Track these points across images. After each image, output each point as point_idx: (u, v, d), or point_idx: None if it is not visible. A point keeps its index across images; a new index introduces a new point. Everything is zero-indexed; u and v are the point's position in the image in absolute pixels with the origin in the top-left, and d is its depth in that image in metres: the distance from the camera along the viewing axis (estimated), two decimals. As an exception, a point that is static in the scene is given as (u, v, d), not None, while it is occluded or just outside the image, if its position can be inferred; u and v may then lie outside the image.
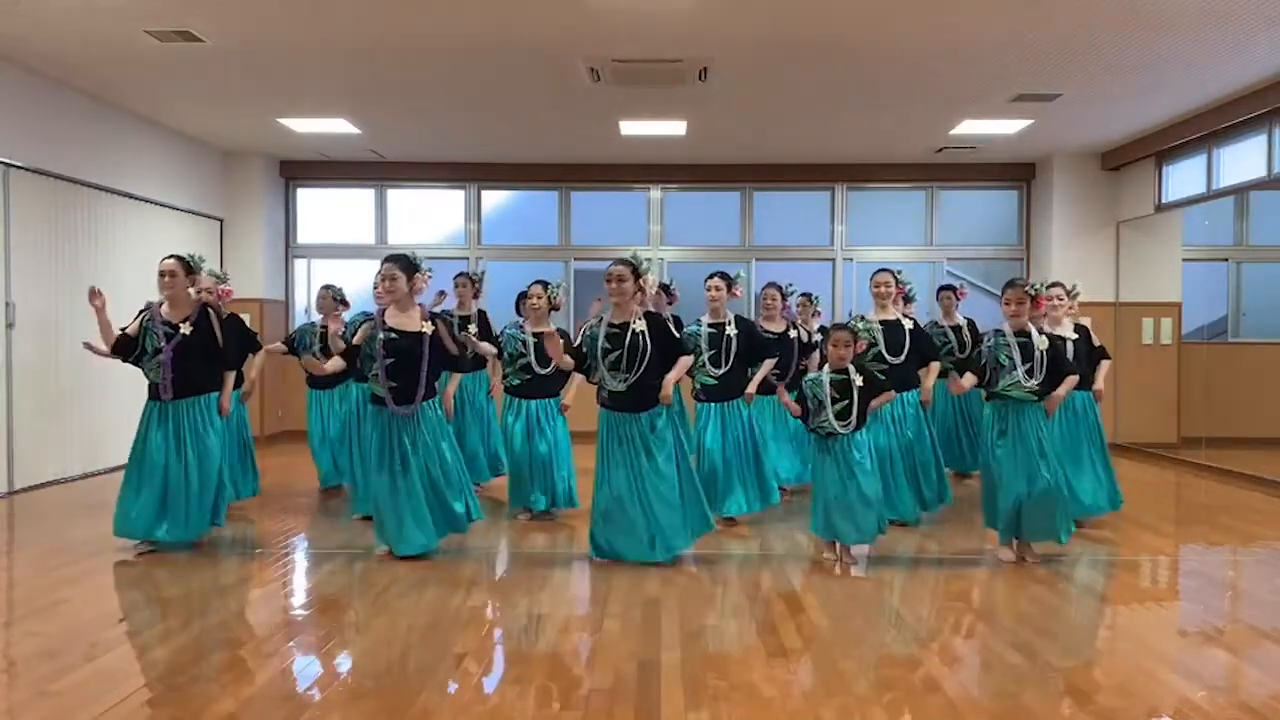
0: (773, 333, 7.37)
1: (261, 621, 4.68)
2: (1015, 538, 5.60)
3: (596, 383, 5.62)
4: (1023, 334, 5.53)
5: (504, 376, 6.96)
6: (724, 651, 4.13)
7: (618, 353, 5.43)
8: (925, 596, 5.11)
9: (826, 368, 5.69)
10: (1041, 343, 5.51)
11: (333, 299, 7.69)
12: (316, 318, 7.98)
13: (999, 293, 5.93)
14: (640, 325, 5.45)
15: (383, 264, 5.63)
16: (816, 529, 5.72)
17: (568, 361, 5.62)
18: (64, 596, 4.89)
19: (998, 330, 5.63)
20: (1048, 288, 6.29)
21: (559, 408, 6.81)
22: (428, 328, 5.57)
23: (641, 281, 5.52)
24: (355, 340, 5.63)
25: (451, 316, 7.63)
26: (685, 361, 5.56)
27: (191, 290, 6.05)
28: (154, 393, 5.87)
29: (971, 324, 8.29)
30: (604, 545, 5.53)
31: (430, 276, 6.33)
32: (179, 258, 5.95)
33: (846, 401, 5.56)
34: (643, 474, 5.43)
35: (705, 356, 6.58)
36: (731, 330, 6.64)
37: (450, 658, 4.02)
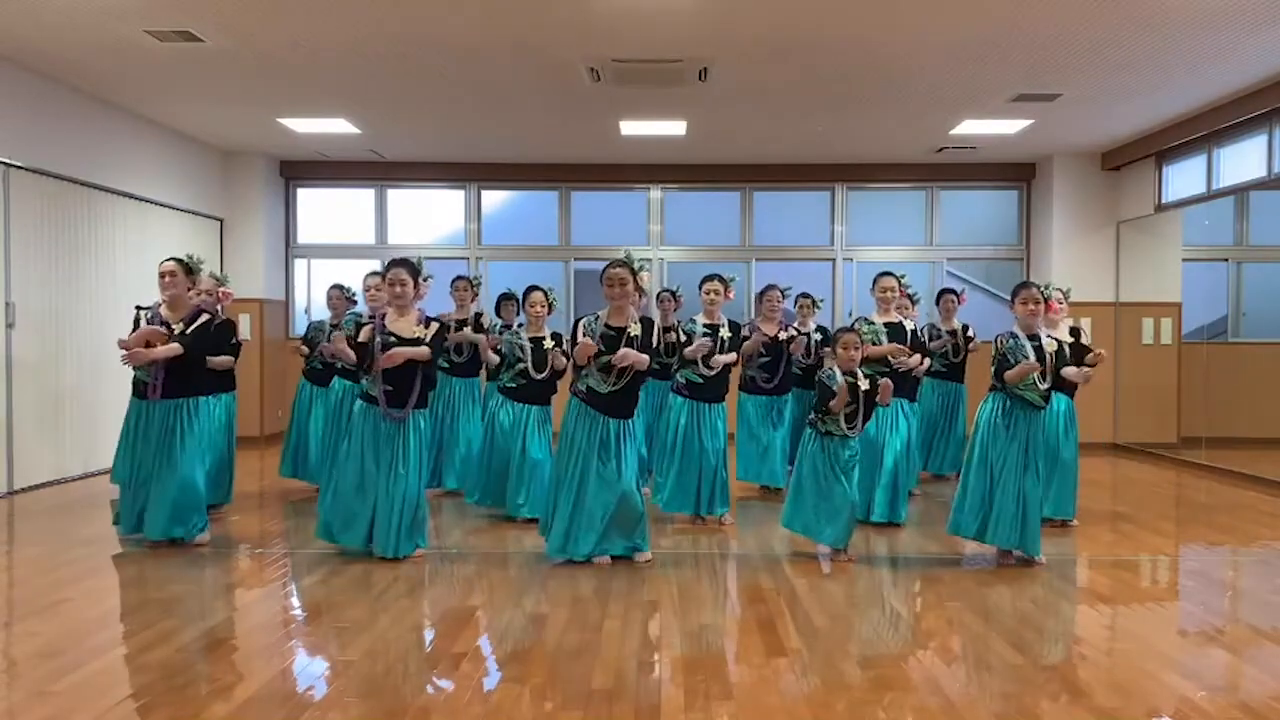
0: (767, 335, 7.40)
1: (261, 621, 4.68)
2: (1008, 546, 5.54)
3: (580, 377, 5.55)
4: (1034, 337, 5.54)
5: (499, 378, 6.95)
6: (723, 651, 4.13)
7: (610, 356, 5.40)
8: (924, 596, 5.11)
9: (837, 369, 5.68)
10: (1050, 345, 5.53)
11: (344, 297, 7.75)
12: (317, 316, 8.03)
13: (1000, 293, 5.95)
14: (635, 329, 5.43)
15: (388, 268, 5.64)
16: (787, 520, 5.74)
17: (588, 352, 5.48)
18: (64, 596, 4.89)
19: (1012, 333, 5.61)
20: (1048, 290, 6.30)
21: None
22: (423, 333, 5.58)
23: (639, 280, 5.50)
24: (361, 339, 5.61)
25: (449, 320, 7.66)
26: (645, 360, 5.42)
27: (191, 293, 6.08)
28: (139, 391, 5.88)
29: (966, 328, 8.33)
30: (545, 531, 5.60)
31: (431, 281, 6.34)
32: (178, 260, 5.99)
33: (854, 405, 5.58)
34: (595, 476, 5.44)
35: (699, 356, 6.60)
36: (726, 332, 6.69)
37: (450, 658, 4.02)
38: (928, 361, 7.14)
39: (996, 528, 5.51)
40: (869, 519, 6.55)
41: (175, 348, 5.73)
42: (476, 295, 7.86)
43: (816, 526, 5.65)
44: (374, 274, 7.20)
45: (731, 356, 6.79)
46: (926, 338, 7.64)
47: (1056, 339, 5.68)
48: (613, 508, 5.46)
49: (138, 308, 5.98)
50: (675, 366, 6.89)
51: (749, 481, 7.87)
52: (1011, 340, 5.58)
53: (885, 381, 5.66)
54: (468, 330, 7.55)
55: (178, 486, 5.79)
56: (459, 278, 7.83)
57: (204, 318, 5.99)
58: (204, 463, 6.09)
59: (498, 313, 7.71)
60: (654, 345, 5.54)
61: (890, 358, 6.61)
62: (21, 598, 4.99)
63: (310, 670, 3.94)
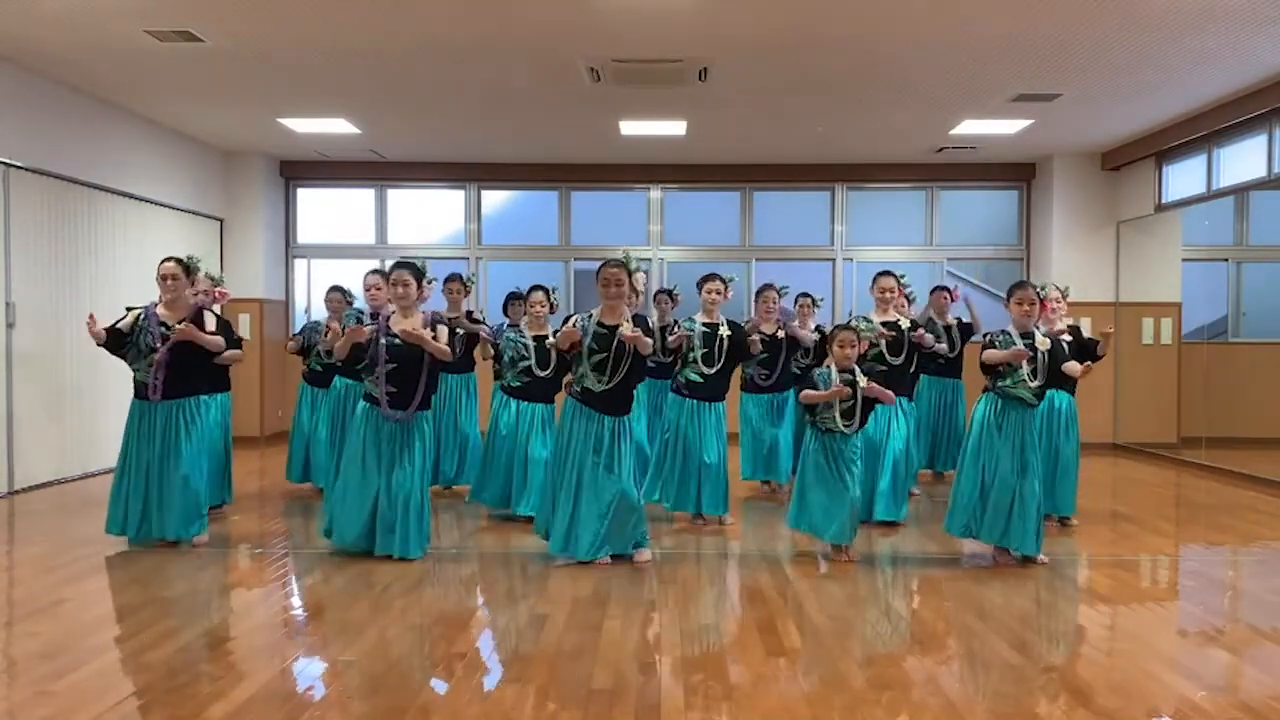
0: (765, 334, 7.41)
1: (261, 621, 4.68)
2: (997, 542, 5.56)
3: (577, 377, 5.59)
4: (1027, 336, 5.56)
5: (503, 378, 6.95)
6: (724, 651, 4.13)
7: (603, 354, 5.44)
8: (924, 596, 5.11)
9: (834, 367, 5.69)
10: (1043, 344, 5.54)
11: (344, 300, 7.77)
12: (317, 317, 8.05)
13: (1000, 293, 5.96)
14: (627, 328, 5.44)
15: (393, 269, 5.70)
16: (794, 522, 5.75)
17: (646, 343, 5.47)
18: (64, 596, 4.89)
19: (1004, 331, 5.63)
20: (1045, 290, 6.33)
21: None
22: (429, 335, 5.58)
23: (634, 281, 5.52)
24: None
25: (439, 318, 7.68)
26: (649, 343, 5.48)
27: (189, 293, 6.08)
28: (140, 393, 5.88)
29: (960, 322, 8.35)
30: (543, 531, 5.67)
31: (434, 283, 6.36)
32: (178, 260, 5.98)
33: (852, 402, 5.58)
34: (591, 475, 5.47)
35: (698, 354, 6.60)
36: (725, 331, 6.67)
37: (450, 658, 4.02)
38: (942, 344, 7.13)
39: (986, 524, 5.54)
40: (871, 518, 6.55)
41: (220, 340, 5.90)
42: (469, 295, 7.91)
43: (822, 524, 5.66)
44: (374, 272, 7.23)
45: (757, 347, 6.90)
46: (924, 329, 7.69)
47: (1051, 338, 5.68)
48: (611, 506, 5.48)
49: (128, 309, 5.97)
50: (677, 368, 6.89)
51: (754, 480, 7.86)
52: (1002, 335, 5.61)
53: (872, 384, 5.63)
54: (463, 319, 7.57)
55: (183, 486, 5.82)
56: (451, 277, 7.86)
57: (210, 317, 6.02)
58: (204, 463, 6.08)
59: (505, 312, 7.74)
60: (650, 337, 5.54)
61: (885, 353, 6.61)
62: (21, 598, 4.99)
63: (310, 670, 3.94)
